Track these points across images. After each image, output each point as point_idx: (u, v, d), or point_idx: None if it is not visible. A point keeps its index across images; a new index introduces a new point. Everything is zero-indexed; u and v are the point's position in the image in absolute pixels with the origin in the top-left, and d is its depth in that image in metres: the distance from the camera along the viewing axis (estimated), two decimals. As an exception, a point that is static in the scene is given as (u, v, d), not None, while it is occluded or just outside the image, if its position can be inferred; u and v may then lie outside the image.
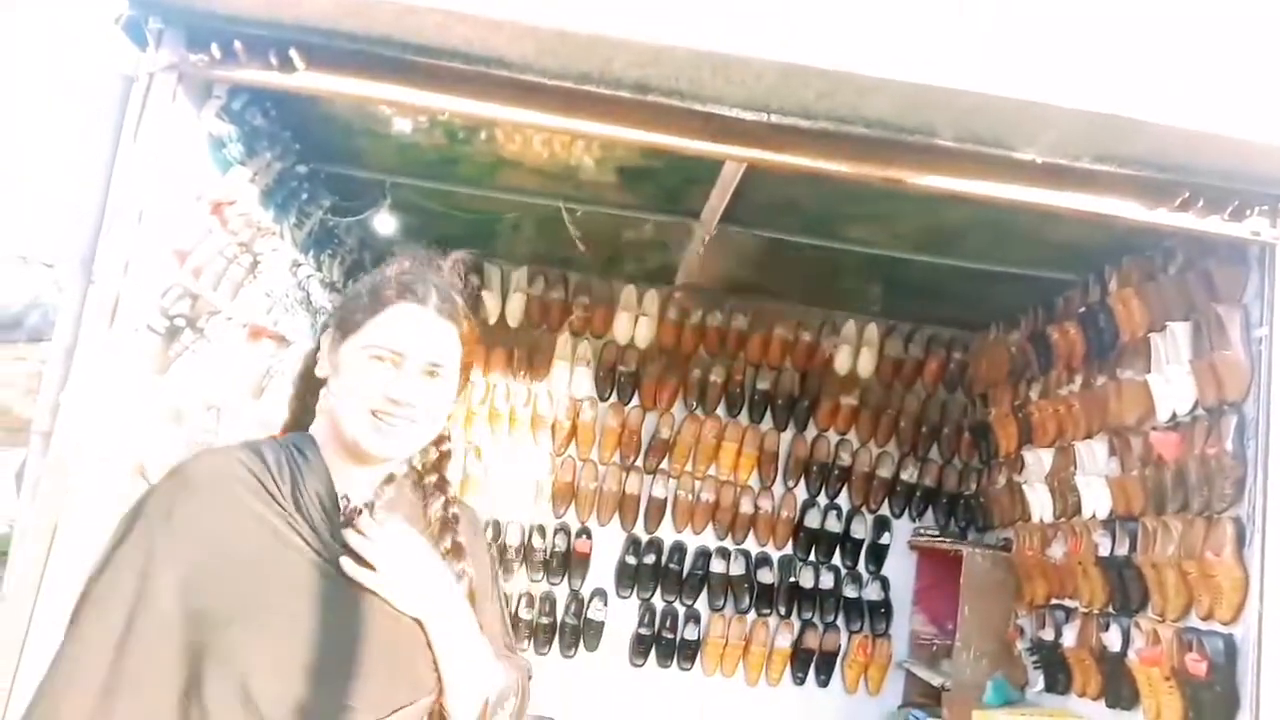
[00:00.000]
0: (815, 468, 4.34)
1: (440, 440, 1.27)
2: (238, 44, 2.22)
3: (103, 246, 2.03)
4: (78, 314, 2.00)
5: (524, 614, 4.18)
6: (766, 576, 4.28)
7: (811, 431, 4.37)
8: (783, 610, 4.26)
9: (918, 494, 4.35)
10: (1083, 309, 3.27)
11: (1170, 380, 2.73)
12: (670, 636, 4.24)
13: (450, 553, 1.20)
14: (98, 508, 1.98)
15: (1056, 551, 3.28)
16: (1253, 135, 2.21)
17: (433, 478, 1.26)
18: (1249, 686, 2.33)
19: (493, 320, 4.21)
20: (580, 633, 4.22)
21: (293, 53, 2.25)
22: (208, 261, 2.54)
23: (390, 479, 1.21)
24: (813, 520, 4.34)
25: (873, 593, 4.31)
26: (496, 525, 4.22)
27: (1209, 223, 2.44)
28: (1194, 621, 2.56)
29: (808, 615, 4.28)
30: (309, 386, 1.25)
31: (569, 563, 4.23)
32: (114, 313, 2.03)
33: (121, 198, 2.09)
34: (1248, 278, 2.53)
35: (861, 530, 4.35)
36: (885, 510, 4.37)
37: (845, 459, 4.37)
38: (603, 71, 2.27)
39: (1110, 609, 2.96)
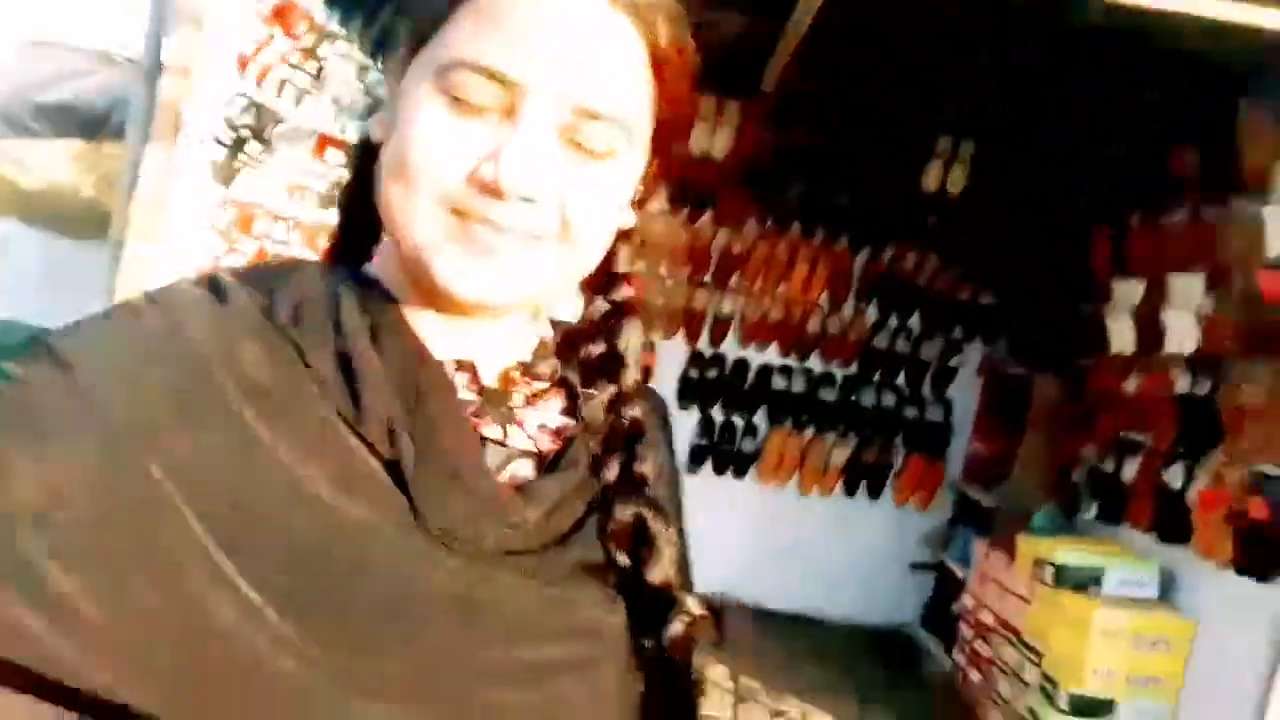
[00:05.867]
0: (890, 288, 4.25)
1: (611, 280, 0.68)
2: None
3: (164, 53, 1.98)
4: (144, 123, 1.98)
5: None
6: (828, 395, 4.32)
7: (889, 252, 4.25)
8: (841, 428, 4.32)
9: (992, 319, 4.25)
10: (1205, 132, 3.02)
11: (1285, 216, 2.55)
12: (728, 448, 4.35)
13: (617, 492, 0.64)
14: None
15: (1132, 385, 3.22)
16: None
17: (596, 348, 0.66)
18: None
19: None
20: (640, 440, 4.35)
21: None
22: (271, 68, 2.47)
23: (543, 351, 0.65)
24: (881, 341, 4.31)
25: (934, 414, 4.33)
26: (563, 334, 4.28)
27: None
28: (1265, 468, 2.52)
29: (866, 433, 4.33)
30: (365, 170, 0.63)
31: (633, 373, 4.30)
32: (176, 122, 2.00)
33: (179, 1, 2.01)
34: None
35: (929, 353, 4.31)
36: (957, 334, 4.30)
37: (922, 280, 4.26)
38: None
39: (1178, 447, 2.93)
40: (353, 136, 3.07)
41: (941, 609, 4.11)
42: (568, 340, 0.67)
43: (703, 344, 4.34)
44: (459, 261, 0.55)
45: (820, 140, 4.06)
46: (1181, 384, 2.93)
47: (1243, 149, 2.77)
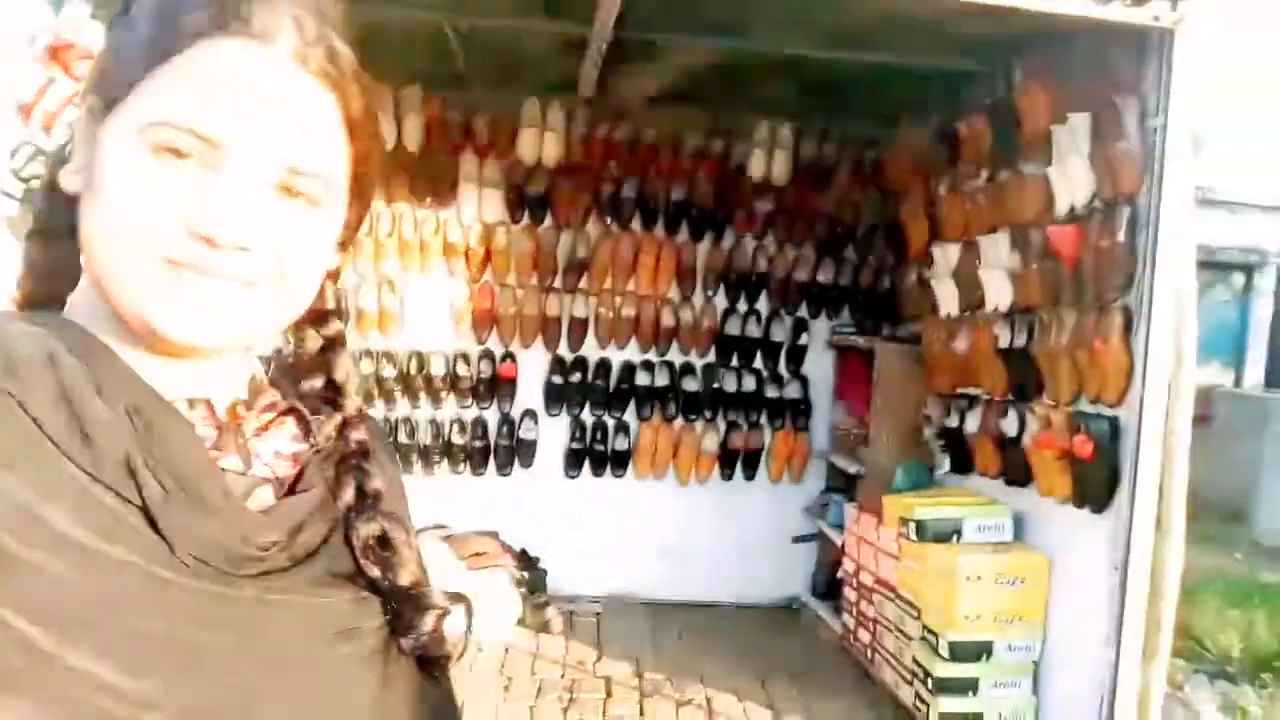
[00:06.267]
0: (733, 275, 4.36)
1: (322, 317, 0.72)
2: None
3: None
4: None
5: (457, 439, 4.27)
6: (691, 385, 4.40)
7: (729, 240, 4.36)
8: (708, 415, 4.41)
9: (834, 294, 4.42)
10: (988, 102, 3.22)
11: (1069, 173, 2.74)
12: (601, 448, 4.38)
13: (356, 512, 0.68)
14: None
15: (961, 344, 3.40)
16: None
17: (318, 380, 0.71)
18: (1129, 463, 2.51)
19: (390, 146, 4.00)
20: (514, 452, 4.34)
21: None
22: (58, 113, 2.33)
23: (256, 385, 0.69)
24: (733, 327, 4.41)
25: (793, 391, 4.47)
26: (420, 357, 4.21)
27: (1110, 9, 2.37)
28: (1083, 406, 2.72)
29: (732, 418, 4.44)
30: (55, 217, 0.64)
31: (496, 387, 4.28)
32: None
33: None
34: (1146, 66, 2.50)
35: (781, 333, 4.44)
36: (803, 312, 4.45)
37: (762, 264, 4.39)
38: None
39: (1009, 396, 3.12)
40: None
41: (829, 576, 4.26)
42: (284, 372, 0.71)
43: (563, 349, 4.35)
44: (174, 308, 0.57)
45: (646, 138, 4.12)
46: (1004, 338, 3.12)
47: (1022, 115, 2.96)
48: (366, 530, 0.67)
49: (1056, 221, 2.82)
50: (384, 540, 0.68)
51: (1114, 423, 2.59)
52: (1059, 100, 2.82)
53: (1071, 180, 2.72)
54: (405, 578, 0.67)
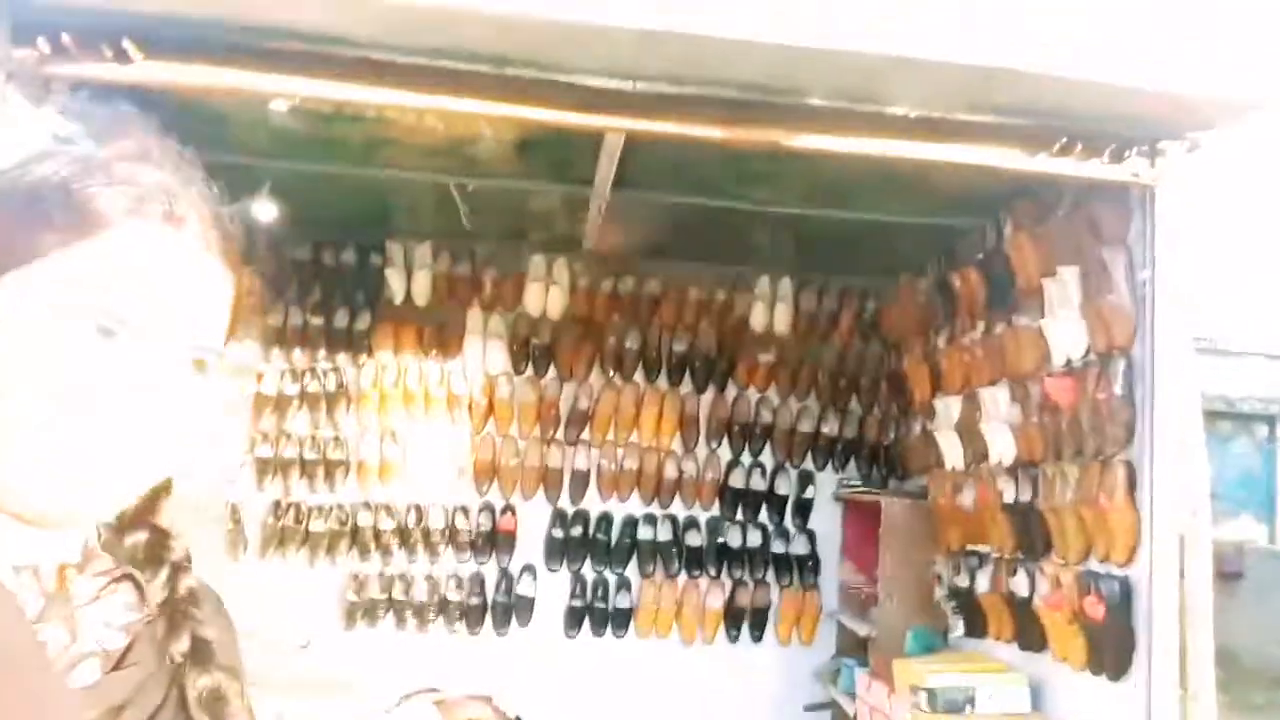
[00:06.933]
0: (737, 427, 4.32)
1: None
2: (66, 37, 2.07)
3: None
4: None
5: (453, 596, 4.13)
6: (694, 539, 4.28)
7: (731, 391, 4.34)
8: (713, 571, 4.27)
9: (839, 446, 4.35)
10: (981, 255, 3.26)
11: (1063, 326, 2.73)
12: (603, 606, 4.23)
13: (192, 662, 0.66)
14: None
15: (967, 498, 3.31)
16: (1125, 79, 2.17)
17: (141, 533, 0.68)
18: (1143, 626, 2.37)
19: (399, 300, 4.10)
20: (512, 609, 4.19)
21: (126, 43, 2.11)
22: None
23: (89, 553, 0.65)
24: (737, 480, 4.33)
25: (800, 547, 4.33)
26: (419, 509, 4.15)
27: (1090, 166, 2.42)
28: (1093, 565, 2.59)
29: (738, 574, 4.29)
30: None
31: (495, 541, 4.18)
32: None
33: None
34: (1131, 219, 2.53)
35: (786, 486, 4.36)
36: (809, 464, 4.37)
37: (766, 416, 4.35)
38: (456, 46, 2.16)
39: (1018, 554, 3.00)
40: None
41: (840, 748, 3.99)
42: (113, 531, 0.67)
43: (564, 502, 4.27)
44: (53, 483, 0.56)
45: (648, 291, 4.19)
46: (1009, 493, 3.02)
47: (1014, 268, 2.98)
48: (201, 683, 0.65)
49: (1053, 374, 2.79)
50: (217, 693, 0.65)
51: (1125, 583, 2.46)
52: (1048, 253, 2.85)
53: (1065, 333, 2.71)
54: None
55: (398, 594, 4.08)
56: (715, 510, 4.33)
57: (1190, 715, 2.31)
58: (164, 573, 0.67)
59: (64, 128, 0.60)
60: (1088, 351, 2.65)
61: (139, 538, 0.68)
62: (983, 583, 3.20)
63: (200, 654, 0.65)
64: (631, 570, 4.28)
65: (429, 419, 4.19)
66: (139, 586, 0.65)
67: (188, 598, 0.67)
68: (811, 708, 4.24)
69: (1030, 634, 2.92)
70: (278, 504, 4.07)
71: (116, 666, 0.61)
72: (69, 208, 0.57)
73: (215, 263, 0.63)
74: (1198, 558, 2.35)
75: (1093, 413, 2.56)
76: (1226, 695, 2.31)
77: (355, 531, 4.08)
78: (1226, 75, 2.17)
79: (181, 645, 0.65)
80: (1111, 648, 2.48)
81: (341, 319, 4.12)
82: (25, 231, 0.57)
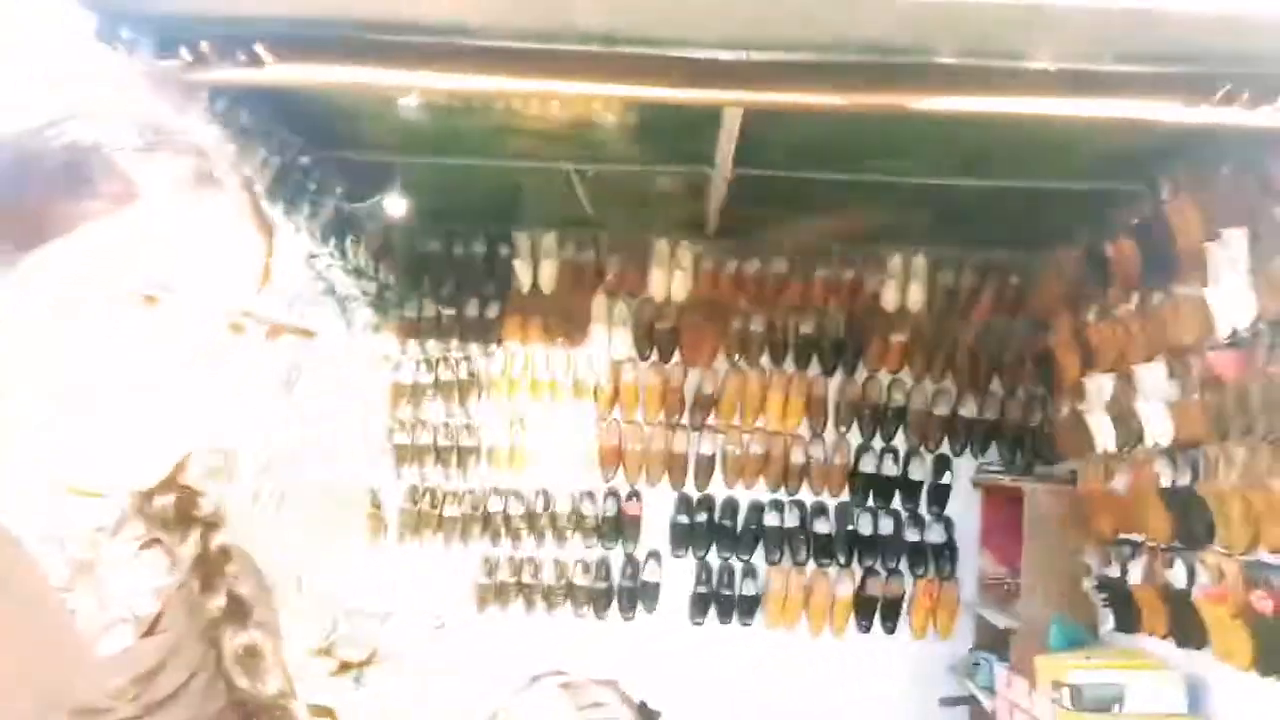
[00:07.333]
0: (867, 410, 4.18)
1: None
2: (204, 45, 2.20)
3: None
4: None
5: (579, 580, 4.18)
6: (823, 526, 4.17)
7: (861, 373, 4.21)
8: (842, 559, 4.15)
9: (979, 430, 4.14)
10: (1137, 221, 3.03)
11: (1228, 294, 2.50)
12: (728, 593, 4.18)
13: (227, 619, 0.65)
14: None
15: (1119, 483, 3.08)
16: (1294, 13, 1.96)
17: (168, 495, 0.65)
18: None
19: (526, 289, 4.17)
20: (637, 595, 4.20)
21: (258, 47, 2.21)
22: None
23: (120, 518, 0.64)
24: (868, 465, 4.19)
25: (936, 535, 4.16)
26: (546, 495, 4.21)
27: (1259, 115, 2.20)
28: (1262, 555, 2.37)
29: (869, 562, 4.16)
30: None
31: (621, 526, 4.20)
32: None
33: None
34: (1306, 175, 2.28)
35: (920, 472, 4.19)
36: (945, 449, 4.18)
37: (899, 399, 4.19)
38: (566, 27, 2.16)
39: (1176, 543, 2.77)
40: (308, 321, 3.14)
41: (980, 746, 3.81)
42: (143, 497, 0.65)
43: (689, 487, 4.25)
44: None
45: (774, 271, 4.10)
46: (1166, 477, 2.80)
47: (1174, 233, 2.75)
48: (239, 640, 0.65)
49: (1217, 346, 2.56)
50: (253, 649, 0.65)
51: (1302, 575, 2.23)
52: (1212, 215, 2.62)
53: (1231, 301, 2.48)
54: (272, 686, 0.66)
55: (527, 577, 4.16)
56: (844, 496, 4.21)
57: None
58: (195, 531, 0.66)
59: (205, 132, 0.61)
60: (1256, 320, 2.41)
61: (168, 499, 0.66)
62: (1135, 573, 2.98)
63: (236, 611, 0.65)
64: (758, 557, 4.22)
65: (556, 406, 4.24)
66: (169, 551, 0.64)
67: (220, 555, 0.67)
68: (948, 701, 4.06)
69: (1188, 629, 2.69)
70: (414, 489, 4.22)
71: (149, 632, 0.60)
72: (111, 174, 0.56)
73: (250, 226, 0.62)
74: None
75: (1263, 388, 2.33)
76: None
77: (486, 517, 4.18)
78: None
79: (218, 601, 0.65)
80: (1284, 646, 2.26)
81: (472, 309, 4.22)
82: (65, 199, 0.55)
